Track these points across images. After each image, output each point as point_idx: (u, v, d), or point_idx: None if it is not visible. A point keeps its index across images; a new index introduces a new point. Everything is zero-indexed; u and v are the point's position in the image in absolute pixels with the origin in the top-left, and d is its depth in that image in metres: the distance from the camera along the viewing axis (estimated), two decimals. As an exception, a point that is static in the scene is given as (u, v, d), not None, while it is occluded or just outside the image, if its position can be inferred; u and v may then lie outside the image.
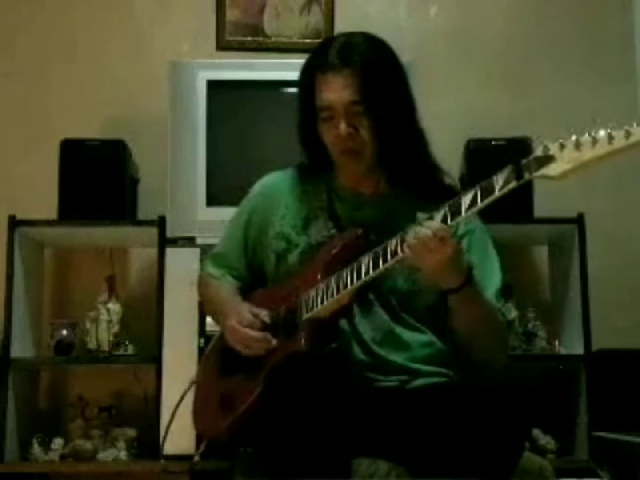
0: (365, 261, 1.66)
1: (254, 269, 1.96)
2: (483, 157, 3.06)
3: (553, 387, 3.20)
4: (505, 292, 1.89)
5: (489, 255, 1.86)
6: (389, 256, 1.63)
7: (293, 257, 1.86)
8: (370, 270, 1.65)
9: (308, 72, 1.83)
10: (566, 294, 3.14)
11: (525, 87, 3.55)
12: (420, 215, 1.64)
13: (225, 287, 1.96)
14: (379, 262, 1.64)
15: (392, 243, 1.63)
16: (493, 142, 3.12)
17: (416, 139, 1.84)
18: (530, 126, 3.29)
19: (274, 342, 1.75)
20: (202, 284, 2.06)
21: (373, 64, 1.78)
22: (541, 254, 3.43)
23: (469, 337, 1.75)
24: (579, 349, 3.00)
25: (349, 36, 1.83)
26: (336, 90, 1.77)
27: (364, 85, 1.75)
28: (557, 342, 3.13)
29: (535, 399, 2.99)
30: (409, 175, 1.84)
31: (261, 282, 1.94)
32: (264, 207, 1.93)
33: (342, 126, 1.77)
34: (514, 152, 3.00)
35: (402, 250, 1.60)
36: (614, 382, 3.02)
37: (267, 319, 1.78)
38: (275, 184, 1.95)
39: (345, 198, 1.88)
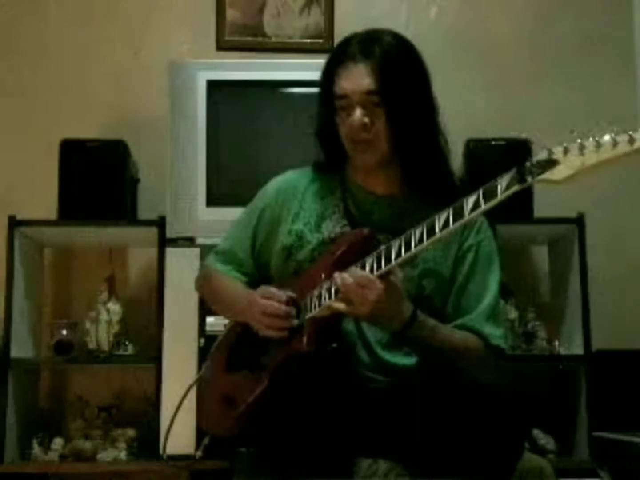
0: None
1: (261, 268, 1.95)
2: (483, 157, 3.06)
3: (553, 387, 3.20)
4: (502, 292, 1.88)
5: (488, 273, 1.83)
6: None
7: (304, 254, 1.84)
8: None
9: (329, 64, 1.83)
10: (566, 294, 3.14)
11: (525, 87, 3.55)
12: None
13: (235, 281, 1.94)
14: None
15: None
16: (493, 142, 3.13)
17: (433, 141, 1.82)
18: (530, 126, 3.30)
19: (295, 322, 1.73)
20: (207, 278, 2.03)
21: (394, 58, 1.77)
22: (541, 254, 3.43)
23: (431, 364, 1.76)
24: (579, 349, 3.00)
25: (373, 31, 1.83)
26: (354, 79, 1.77)
27: (383, 76, 1.75)
28: (557, 342, 3.13)
29: (535, 399, 2.99)
30: (423, 177, 1.83)
31: (266, 281, 1.93)
32: (277, 205, 1.92)
33: (357, 114, 1.76)
34: (514, 152, 3.05)
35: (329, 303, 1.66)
36: (614, 382, 3.02)
37: (293, 295, 1.77)
38: (290, 183, 1.94)
39: (357, 197, 1.87)
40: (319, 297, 1.71)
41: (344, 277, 1.63)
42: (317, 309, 1.71)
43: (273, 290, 1.78)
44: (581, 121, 3.50)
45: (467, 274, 1.81)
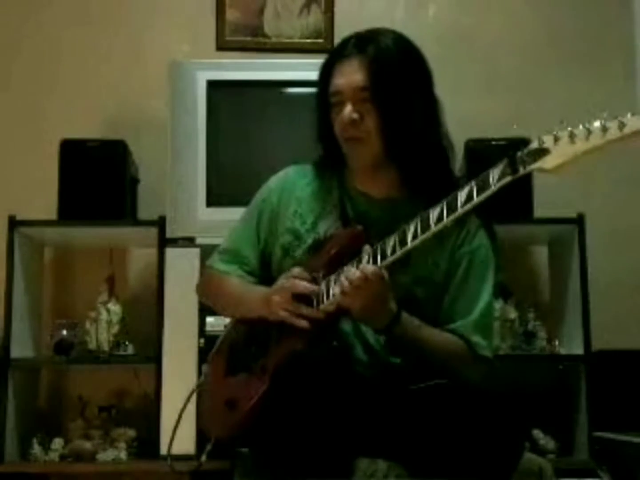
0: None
1: (265, 265, 1.93)
2: (483, 157, 3.05)
3: (553, 387, 3.20)
4: (501, 292, 1.87)
5: (482, 282, 1.82)
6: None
7: (299, 253, 1.84)
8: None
9: (326, 63, 1.83)
10: (566, 294, 3.14)
11: (525, 87, 3.55)
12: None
13: (242, 279, 1.92)
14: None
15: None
16: (493, 142, 3.12)
17: (431, 142, 1.80)
18: (530, 126, 3.29)
19: (321, 314, 1.71)
20: (211, 280, 1.99)
21: (388, 56, 1.77)
22: (541, 254, 3.43)
23: (415, 364, 1.75)
24: (579, 349, 3.00)
25: (371, 30, 1.83)
26: (346, 75, 1.77)
27: (374, 72, 1.74)
28: (557, 342, 3.13)
29: (535, 399, 2.99)
30: (421, 180, 1.81)
31: (268, 281, 1.90)
32: (277, 202, 1.91)
33: (347, 110, 1.76)
34: (514, 152, 3.04)
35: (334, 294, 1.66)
36: (614, 382, 3.02)
37: (317, 275, 1.75)
38: (290, 180, 1.94)
39: (354, 199, 1.87)
40: (328, 290, 1.70)
41: (349, 271, 1.63)
42: (326, 302, 1.70)
43: (295, 269, 1.76)
44: (582, 121, 3.51)
45: (460, 281, 1.80)
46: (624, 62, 3.59)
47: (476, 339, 1.77)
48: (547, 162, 1.43)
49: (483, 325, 1.79)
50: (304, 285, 1.73)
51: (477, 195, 1.51)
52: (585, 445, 2.93)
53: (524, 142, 3.15)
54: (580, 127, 1.40)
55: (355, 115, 1.76)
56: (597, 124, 1.38)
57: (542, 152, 1.43)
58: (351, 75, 1.76)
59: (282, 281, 1.76)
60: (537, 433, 2.99)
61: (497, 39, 3.59)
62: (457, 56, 3.51)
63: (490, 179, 1.49)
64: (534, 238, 3.36)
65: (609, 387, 2.99)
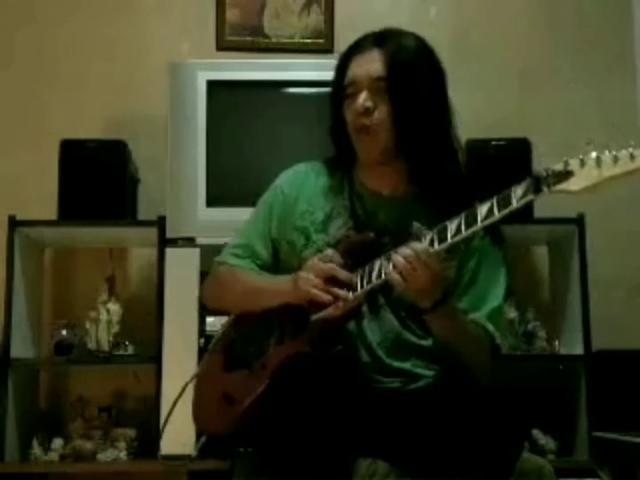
0: (375, 266, 1.67)
1: (275, 261, 1.91)
2: (483, 157, 3.06)
3: (553, 387, 3.20)
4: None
5: (493, 275, 1.83)
6: (379, 275, 1.65)
7: (308, 254, 1.81)
8: (373, 280, 1.66)
9: (343, 58, 1.83)
10: (566, 294, 3.14)
11: (525, 87, 3.55)
12: (417, 227, 1.63)
13: (255, 273, 1.89)
14: (371, 278, 1.66)
15: (377, 264, 1.65)
16: (493, 142, 3.12)
17: (441, 140, 1.81)
18: (530, 126, 3.30)
19: (350, 296, 1.68)
20: (223, 275, 1.93)
21: (407, 50, 1.78)
22: (541, 254, 3.43)
23: (445, 350, 1.75)
24: (579, 349, 3.00)
25: (388, 29, 1.83)
26: (364, 65, 1.78)
27: (392, 63, 1.75)
28: (557, 342, 3.13)
29: (535, 399, 2.99)
30: (430, 177, 1.81)
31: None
32: (287, 196, 1.90)
33: (362, 97, 1.76)
34: (514, 152, 3.04)
35: (387, 273, 1.63)
36: (614, 382, 3.02)
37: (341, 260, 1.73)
38: (300, 178, 1.92)
39: (363, 198, 1.86)
40: (368, 273, 1.68)
41: (405, 251, 1.61)
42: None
43: (330, 252, 1.73)
44: (581, 121, 3.52)
45: (472, 274, 1.80)
46: (625, 63, 3.59)
47: (492, 329, 1.78)
48: (572, 185, 1.44)
49: (498, 317, 1.80)
50: (344, 273, 1.69)
51: (498, 211, 1.51)
52: (585, 445, 2.94)
53: (524, 142, 3.15)
54: (607, 152, 1.41)
55: (369, 104, 1.76)
56: (624, 151, 1.40)
57: (567, 174, 1.44)
58: (368, 64, 1.77)
59: (315, 261, 1.72)
60: (537, 433, 2.99)
61: (498, 39, 3.59)
62: (458, 56, 3.50)
63: (513, 197, 1.49)
64: (534, 238, 3.36)
65: (609, 387, 2.99)
